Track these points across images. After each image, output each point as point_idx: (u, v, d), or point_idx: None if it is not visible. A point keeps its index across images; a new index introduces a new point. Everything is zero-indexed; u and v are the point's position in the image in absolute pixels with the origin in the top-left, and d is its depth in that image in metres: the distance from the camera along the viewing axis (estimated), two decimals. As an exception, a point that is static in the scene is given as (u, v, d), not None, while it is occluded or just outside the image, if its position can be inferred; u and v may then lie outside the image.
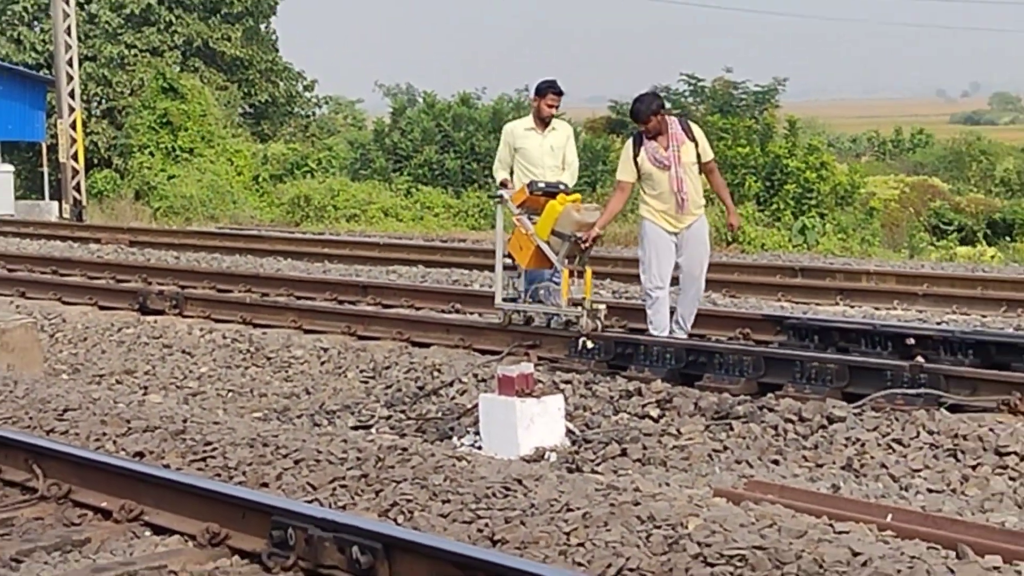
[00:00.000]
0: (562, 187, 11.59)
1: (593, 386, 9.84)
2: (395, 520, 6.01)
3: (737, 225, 13.29)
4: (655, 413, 9.13)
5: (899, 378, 8.82)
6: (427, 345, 11.96)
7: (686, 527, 5.55)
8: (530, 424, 8.64)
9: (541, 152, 12.16)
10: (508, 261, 11.79)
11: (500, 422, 8.72)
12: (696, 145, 10.99)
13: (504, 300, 11.77)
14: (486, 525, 5.80)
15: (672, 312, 11.24)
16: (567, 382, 9.91)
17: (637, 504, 5.91)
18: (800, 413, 8.63)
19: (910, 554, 5.27)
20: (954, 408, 8.43)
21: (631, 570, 5.18)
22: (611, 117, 36.54)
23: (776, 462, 8.02)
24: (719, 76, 35.94)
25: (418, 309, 14.02)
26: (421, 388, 10.59)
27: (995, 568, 5.18)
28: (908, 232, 31.47)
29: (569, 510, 5.86)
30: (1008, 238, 30.55)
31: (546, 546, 5.50)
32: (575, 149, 12.82)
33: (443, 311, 13.74)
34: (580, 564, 5.28)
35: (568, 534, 5.58)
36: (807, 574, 4.98)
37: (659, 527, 5.58)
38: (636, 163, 10.94)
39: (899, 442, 7.98)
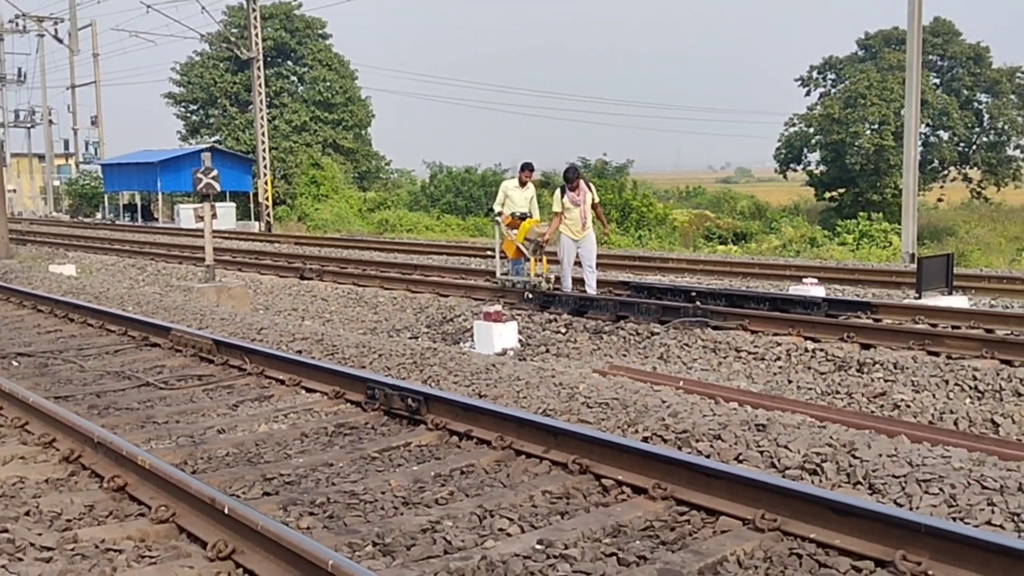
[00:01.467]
0: (528, 215, 11.64)
1: (532, 317, 9.86)
2: (430, 385, 6.01)
3: (608, 234, 13.25)
4: (563, 331, 9.16)
5: (687, 313, 8.87)
6: (448, 296, 11.93)
7: (578, 388, 5.57)
8: (500, 336, 8.68)
9: (521, 199, 12.07)
10: (501, 254, 11.80)
11: (485, 335, 8.75)
12: (592, 195, 10.98)
13: (501, 275, 11.74)
14: (476, 388, 5.81)
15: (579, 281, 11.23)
16: (519, 315, 9.92)
17: (553, 377, 5.93)
18: (637, 330, 8.68)
19: (691, 402, 5.31)
20: (715, 328, 8.49)
21: (551, 409, 5.20)
22: (543, 180, 36.30)
23: (625, 355, 8.07)
24: (599, 157, 35.82)
25: (443, 277, 13.95)
26: (444, 318, 10.58)
27: (733, 409, 5.22)
28: (693, 239, 31.49)
29: (519, 380, 5.87)
30: (744, 241, 30.57)
31: (507, 398, 5.51)
32: (536, 200, 12.76)
33: (456, 279, 13.68)
34: (523, 407, 5.29)
35: (519, 392, 5.60)
36: (638, 411, 5.01)
37: (564, 388, 5.60)
38: (563, 202, 10.92)
39: (687, 345, 8.04)
